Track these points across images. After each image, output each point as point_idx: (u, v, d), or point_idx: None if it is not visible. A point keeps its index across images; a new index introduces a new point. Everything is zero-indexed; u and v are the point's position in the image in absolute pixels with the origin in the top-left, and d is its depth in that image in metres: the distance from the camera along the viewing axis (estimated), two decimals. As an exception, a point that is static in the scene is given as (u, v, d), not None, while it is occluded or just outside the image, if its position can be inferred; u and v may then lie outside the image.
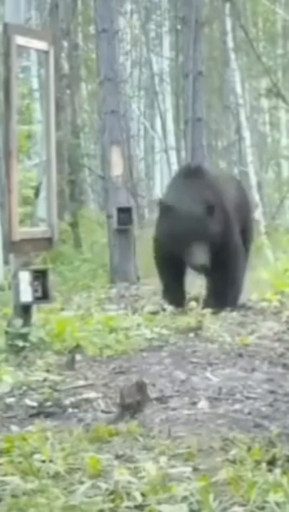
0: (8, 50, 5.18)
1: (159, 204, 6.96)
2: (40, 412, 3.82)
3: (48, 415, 3.77)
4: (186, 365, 4.73)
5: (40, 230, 5.46)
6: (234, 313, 6.46)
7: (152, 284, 9.28)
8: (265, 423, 3.49)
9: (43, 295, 5.32)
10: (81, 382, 4.37)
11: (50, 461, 2.95)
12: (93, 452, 3.04)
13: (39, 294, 5.29)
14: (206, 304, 6.32)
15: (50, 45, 5.47)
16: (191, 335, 5.56)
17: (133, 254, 10.17)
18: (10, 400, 4.05)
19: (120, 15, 17.17)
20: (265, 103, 20.19)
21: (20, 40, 5.22)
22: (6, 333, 5.18)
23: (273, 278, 8.28)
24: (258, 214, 12.91)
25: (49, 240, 5.51)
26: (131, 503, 2.58)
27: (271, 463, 2.85)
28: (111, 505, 2.57)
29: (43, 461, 2.95)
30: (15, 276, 5.30)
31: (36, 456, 3.00)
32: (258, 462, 2.86)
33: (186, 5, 12.08)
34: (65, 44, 15.93)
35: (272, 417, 3.62)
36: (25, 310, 5.28)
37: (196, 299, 6.44)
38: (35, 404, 3.95)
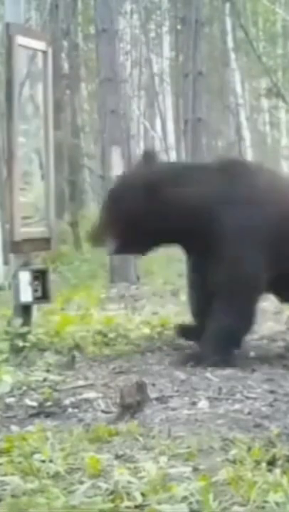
0: (10, 50, 5.19)
1: None
2: (40, 412, 3.82)
3: (48, 415, 3.77)
4: (186, 365, 4.72)
5: (39, 230, 5.46)
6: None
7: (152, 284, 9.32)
8: (265, 423, 3.49)
9: (43, 295, 5.32)
10: (81, 382, 4.37)
11: (50, 461, 2.95)
12: (93, 452, 3.04)
13: (39, 293, 5.29)
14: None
15: (48, 46, 5.48)
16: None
17: (133, 254, 10.15)
18: (10, 400, 4.05)
19: (120, 15, 17.17)
20: (265, 103, 20.20)
21: (21, 40, 5.24)
22: (6, 333, 5.18)
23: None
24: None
25: (47, 240, 5.52)
26: (131, 503, 2.58)
27: (271, 463, 2.85)
28: (111, 505, 2.57)
29: (43, 461, 2.95)
30: (15, 276, 5.30)
31: (36, 456, 3.00)
32: (258, 462, 2.86)
33: (186, 5, 12.09)
34: (65, 44, 15.92)
35: (272, 417, 3.62)
36: (25, 310, 5.29)
37: None
38: (35, 404, 3.95)
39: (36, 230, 5.45)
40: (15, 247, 5.28)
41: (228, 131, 18.60)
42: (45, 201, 5.51)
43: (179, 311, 6.42)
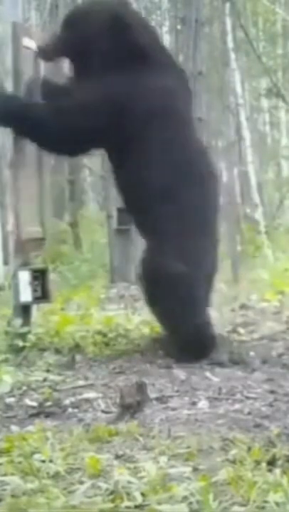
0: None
1: None
2: (40, 412, 3.81)
3: (48, 415, 3.77)
4: (186, 364, 4.72)
5: (35, 230, 5.47)
6: (234, 313, 6.46)
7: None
8: (265, 423, 3.49)
9: (43, 295, 5.32)
10: (81, 382, 4.37)
11: (50, 461, 2.95)
12: (93, 452, 3.04)
13: (38, 293, 5.29)
14: None
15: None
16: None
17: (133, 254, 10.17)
18: (10, 400, 4.05)
19: (120, 15, 17.12)
20: (265, 103, 20.18)
21: (25, 40, 5.26)
22: (6, 333, 5.18)
23: (273, 278, 8.30)
24: (257, 214, 12.92)
25: (42, 240, 5.55)
26: (131, 503, 2.57)
27: (271, 463, 2.85)
28: (111, 505, 2.57)
29: (43, 461, 2.95)
30: (14, 276, 5.30)
31: (36, 456, 3.00)
32: (258, 462, 2.85)
33: (186, 5, 12.07)
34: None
35: (272, 417, 3.61)
36: (24, 310, 5.28)
37: None
38: (35, 404, 3.95)
39: (35, 230, 5.46)
40: (20, 246, 5.28)
41: (228, 131, 18.56)
42: (39, 200, 5.53)
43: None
